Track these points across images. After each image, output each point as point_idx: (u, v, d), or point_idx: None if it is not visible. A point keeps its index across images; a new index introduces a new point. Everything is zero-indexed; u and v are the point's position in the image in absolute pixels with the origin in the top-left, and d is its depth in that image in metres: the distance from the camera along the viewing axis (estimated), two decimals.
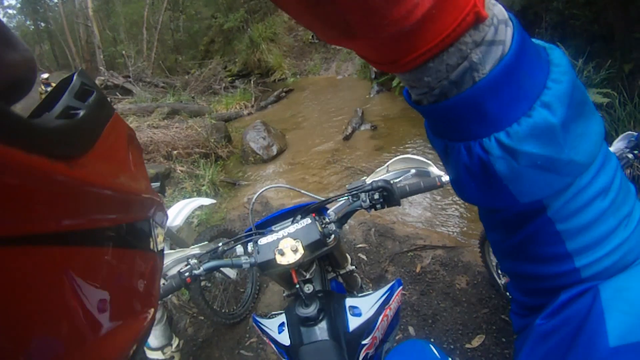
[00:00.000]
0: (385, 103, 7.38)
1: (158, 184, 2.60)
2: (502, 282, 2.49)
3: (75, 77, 0.38)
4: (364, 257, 3.27)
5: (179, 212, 2.86)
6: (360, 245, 3.42)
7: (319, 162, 5.70)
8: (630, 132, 1.91)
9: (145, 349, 2.19)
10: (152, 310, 0.49)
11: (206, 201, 3.23)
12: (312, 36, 13.25)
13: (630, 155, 1.81)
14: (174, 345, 2.24)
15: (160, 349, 2.19)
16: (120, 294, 0.40)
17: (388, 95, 7.58)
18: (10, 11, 39.34)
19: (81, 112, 0.35)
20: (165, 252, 1.62)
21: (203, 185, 5.34)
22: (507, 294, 2.39)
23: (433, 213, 3.80)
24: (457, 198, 3.70)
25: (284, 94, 10.62)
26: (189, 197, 4.20)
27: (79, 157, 0.32)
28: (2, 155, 0.21)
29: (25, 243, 0.24)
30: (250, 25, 14.60)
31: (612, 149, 1.51)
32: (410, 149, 5.23)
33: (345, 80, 10.64)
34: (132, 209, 0.45)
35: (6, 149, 0.21)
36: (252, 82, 12.18)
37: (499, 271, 2.56)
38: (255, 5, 15.34)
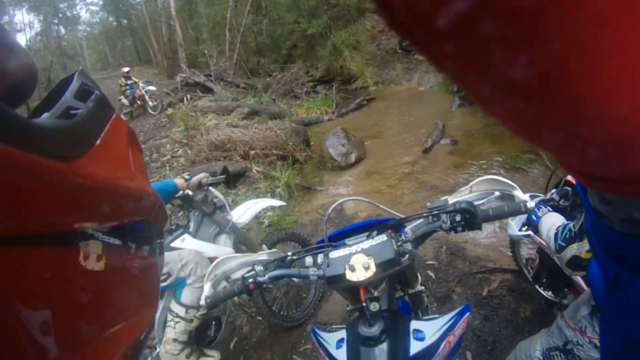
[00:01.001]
0: (466, 117, 7.14)
1: (223, 177, 2.66)
2: (531, 275, 2.55)
3: (75, 77, 0.38)
4: (432, 274, 3.18)
5: (247, 210, 2.92)
6: (430, 262, 3.33)
7: (396, 173, 5.60)
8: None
9: (174, 299, 2.23)
10: (153, 308, 0.50)
11: (275, 202, 3.27)
12: (397, 46, 13.08)
13: None
14: (200, 312, 2.25)
15: (186, 307, 2.20)
16: (120, 292, 0.41)
17: (469, 110, 7.32)
18: (92, 7, 41.84)
19: (81, 112, 0.35)
20: (232, 255, 1.64)
21: (278, 187, 5.42)
22: (537, 286, 2.53)
23: (507, 235, 3.61)
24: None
25: (365, 102, 10.59)
26: (262, 197, 4.28)
27: (79, 157, 0.32)
28: (1, 155, 0.21)
29: (25, 243, 0.25)
30: (333, 31, 14.68)
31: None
32: (489, 167, 5.01)
33: (427, 92, 10.41)
34: (132, 208, 0.46)
35: (6, 148, 0.21)
36: (334, 89, 12.28)
37: (529, 267, 2.69)
38: (338, 12, 15.35)
